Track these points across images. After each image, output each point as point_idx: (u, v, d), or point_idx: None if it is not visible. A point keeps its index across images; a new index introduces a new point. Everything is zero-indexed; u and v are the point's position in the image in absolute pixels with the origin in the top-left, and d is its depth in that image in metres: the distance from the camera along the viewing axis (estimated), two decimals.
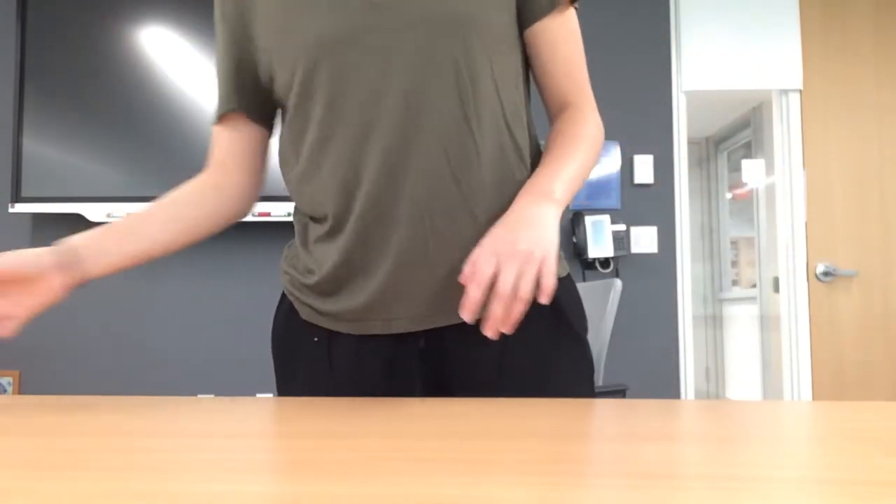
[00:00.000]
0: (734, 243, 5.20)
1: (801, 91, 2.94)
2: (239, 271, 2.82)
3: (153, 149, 2.70)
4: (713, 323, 5.33)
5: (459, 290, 0.72)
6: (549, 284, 0.70)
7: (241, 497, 0.37)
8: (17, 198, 2.69)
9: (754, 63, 2.93)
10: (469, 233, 0.81)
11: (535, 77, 0.91)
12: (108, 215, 2.66)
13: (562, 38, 0.88)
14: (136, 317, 2.82)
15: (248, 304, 2.80)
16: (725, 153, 5.16)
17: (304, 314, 0.89)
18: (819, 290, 2.89)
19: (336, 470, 0.43)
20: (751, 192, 4.51)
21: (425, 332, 0.84)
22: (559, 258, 0.91)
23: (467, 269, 0.71)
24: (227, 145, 0.93)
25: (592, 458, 0.45)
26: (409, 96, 0.79)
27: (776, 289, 3.05)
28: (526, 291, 0.68)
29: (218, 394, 2.77)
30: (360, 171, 0.81)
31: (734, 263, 5.20)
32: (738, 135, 4.79)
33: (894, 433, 0.53)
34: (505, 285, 0.68)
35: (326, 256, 0.85)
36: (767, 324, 3.35)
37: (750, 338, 4.52)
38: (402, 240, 0.81)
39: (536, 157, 0.89)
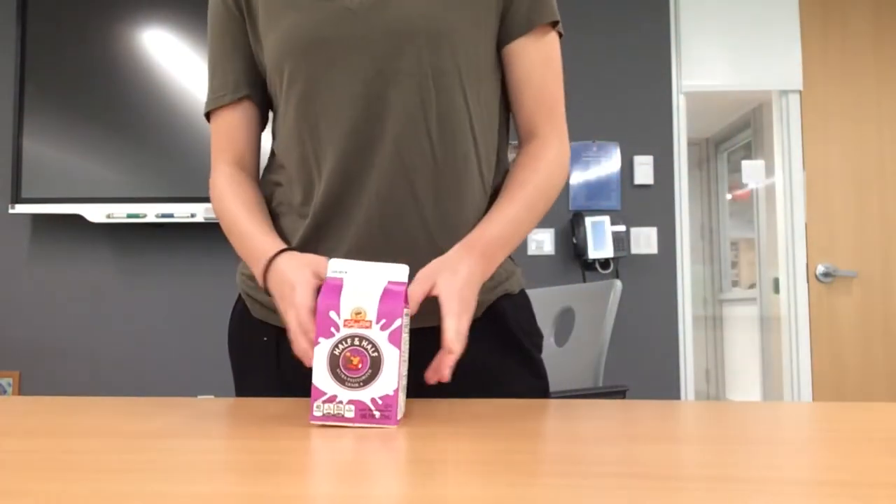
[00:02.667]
0: (734, 244, 5.20)
1: (800, 92, 2.94)
2: None
3: (153, 150, 2.70)
4: (713, 324, 5.33)
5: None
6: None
7: (240, 498, 0.37)
8: (18, 199, 2.70)
9: (754, 64, 2.93)
10: (419, 237, 0.82)
11: (508, 100, 0.90)
12: (108, 216, 2.66)
13: (536, 61, 0.87)
14: (136, 317, 2.82)
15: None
16: (725, 154, 5.16)
17: (255, 311, 0.90)
18: (819, 290, 2.89)
19: (334, 471, 0.43)
20: (751, 192, 4.51)
21: None
22: (515, 274, 0.92)
23: (451, 333, 0.71)
24: (242, 137, 0.93)
25: (592, 459, 0.45)
26: (372, 103, 0.81)
27: (776, 290, 3.05)
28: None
29: (218, 394, 2.77)
30: (321, 171, 0.83)
31: (734, 264, 5.20)
32: (737, 136, 4.79)
33: (894, 434, 0.53)
34: (460, 345, 0.70)
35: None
36: (767, 325, 3.35)
37: (750, 339, 4.52)
38: (353, 240, 0.82)
39: (501, 175, 0.90)
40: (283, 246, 0.80)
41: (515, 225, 0.83)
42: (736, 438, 0.52)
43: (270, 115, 0.96)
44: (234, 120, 0.92)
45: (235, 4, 0.90)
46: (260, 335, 0.89)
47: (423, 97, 0.81)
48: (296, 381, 0.85)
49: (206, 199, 2.64)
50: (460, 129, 0.83)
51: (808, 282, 2.89)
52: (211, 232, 2.81)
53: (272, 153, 0.93)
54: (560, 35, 0.89)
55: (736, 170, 4.92)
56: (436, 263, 0.75)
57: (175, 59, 2.73)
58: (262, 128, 0.96)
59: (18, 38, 2.74)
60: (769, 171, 3.15)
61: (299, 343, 0.69)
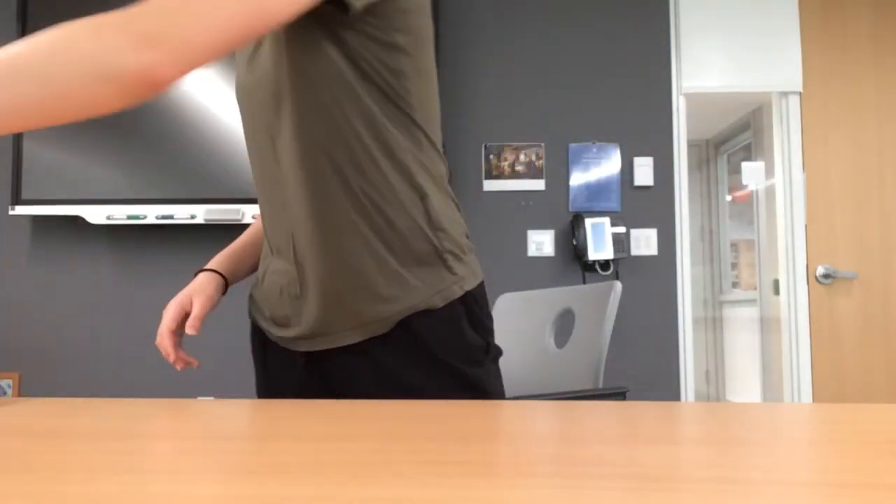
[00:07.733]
0: (734, 245, 5.20)
1: (800, 93, 2.94)
2: None
3: (153, 151, 2.70)
4: (713, 325, 5.33)
5: (336, 315, 0.85)
6: None
7: (240, 499, 0.37)
8: (18, 200, 2.70)
9: (754, 65, 2.94)
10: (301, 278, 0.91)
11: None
12: (108, 217, 2.66)
13: None
14: (136, 319, 2.82)
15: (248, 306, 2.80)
16: (725, 155, 5.16)
17: (254, 319, 1.06)
18: (819, 292, 2.89)
19: (332, 472, 0.43)
20: (751, 194, 4.51)
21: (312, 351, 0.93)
22: (450, 287, 0.86)
23: None
24: None
25: (592, 461, 0.45)
26: (257, 147, 0.93)
27: (776, 291, 3.05)
28: None
29: (218, 396, 2.77)
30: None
31: (734, 266, 5.20)
32: (737, 137, 4.79)
33: (894, 435, 0.53)
34: None
35: None
36: (768, 326, 3.34)
37: (750, 340, 4.53)
38: (280, 266, 0.94)
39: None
40: (210, 268, 1.05)
41: None
42: (736, 440, 0.52)
43: None
44: None
45: None
46: (255, 339, 1.05)
47: (275, 145, 0.90)
48: (274, 389, 0.99)
49: (205, 201, 2.64)
50: (313, 159, 0.87)
51: (808, 283, 2.89)
52: (211, 233, 2.81)
53: None
54: None
55: (736, 171, 4.93)
56: None
57: None
58: None
59: (18, 38, 2.74)
60: (769, 172, 3.15)
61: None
